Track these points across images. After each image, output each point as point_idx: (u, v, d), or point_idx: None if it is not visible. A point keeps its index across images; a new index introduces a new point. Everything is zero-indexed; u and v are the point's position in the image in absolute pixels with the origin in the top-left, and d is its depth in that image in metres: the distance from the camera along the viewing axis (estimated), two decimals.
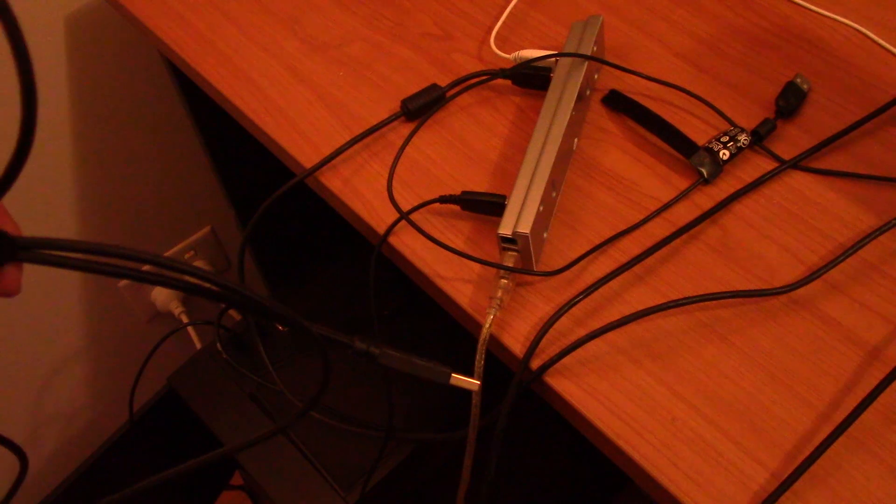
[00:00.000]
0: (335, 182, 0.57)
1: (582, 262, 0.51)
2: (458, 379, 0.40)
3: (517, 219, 0.49)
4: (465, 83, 0.61)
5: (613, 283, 0.50)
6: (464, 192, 0.54)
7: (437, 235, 0.54)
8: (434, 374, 0.39)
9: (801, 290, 0.49)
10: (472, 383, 0.39)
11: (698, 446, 0.44)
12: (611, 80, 0.62)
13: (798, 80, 0.58)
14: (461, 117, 0.60)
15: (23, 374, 1.06)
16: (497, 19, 0.66)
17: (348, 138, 0.59)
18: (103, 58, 0.92)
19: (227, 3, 0.70)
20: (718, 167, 0.55)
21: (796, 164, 0.55)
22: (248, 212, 1.06)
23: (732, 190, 0.54)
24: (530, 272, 0.50)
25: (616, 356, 0.47)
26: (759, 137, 0.56)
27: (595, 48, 0.59)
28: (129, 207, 1.07)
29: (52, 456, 1.17)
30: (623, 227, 0.53)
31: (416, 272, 0.53)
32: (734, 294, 0.49)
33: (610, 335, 0.48)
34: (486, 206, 0.53)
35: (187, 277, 0.31)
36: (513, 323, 0.49)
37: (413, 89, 0.61)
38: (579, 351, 0.47)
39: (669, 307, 0.48)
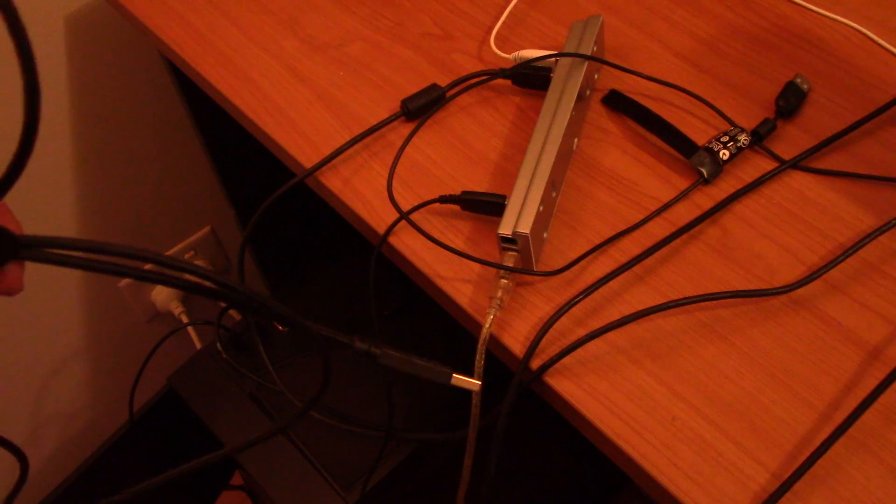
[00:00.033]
0: (335, 182, 0.57)
1: (582, 262, 0.51)
2: (459, 379, 0.40)
3: (517, 219, 0.49)
4: (465, 83, 0.61)
5: (613, 283, 0.50)
6: (464, 192, 0.54)
7: (437, 235, 0.54)
8: (435, 374, 0.39)
9: (801, 290, 0.49)
10: (473, 383, 0.39)
11: (698, 446, 0.44)
12: (611, 80, 0.62)
13: (798, 80, 0.58)
14: (461, 117, 0.60)
15: (23, 374, 1.06)
16: (497, 19, 0.66)
17: (348, 138, 0.59)
18: (103, 58, 0.92)
19: (227, 3, 0.70)
20: (718, 167, 0.55)
21: (796, 164, 0.55)
22: (248, 212, 1.05)
23: (732, 190, 0.54)
24: (530, 272, 0.50)
25: (616, 356, 0.47)
26: (759, 137, 0.56)
27: (595, 48, 0.59)
28: (129, 207, 1.07)
29: (52, 456, 1.17)
30: (623, 227, 0.53)
31: (416, 272, 0.53)
32: (734, 294, 0.49)
33: (610, 335, 0.48)
34: (486, 206, 0.53)
35: (188, 276, 0.31)
36: (513, 323, 0.49)
37: (413, 89, 0.61)
38: (579, 351, 0.47)
39: (669, 307, 0.48)
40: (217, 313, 0.89)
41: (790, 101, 0.57)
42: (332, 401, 0.84)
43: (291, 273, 1.18)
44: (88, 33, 0.89)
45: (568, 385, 0.46)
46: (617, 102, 0.59)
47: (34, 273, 0.99)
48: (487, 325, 0.48)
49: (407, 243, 0.53)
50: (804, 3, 0.65)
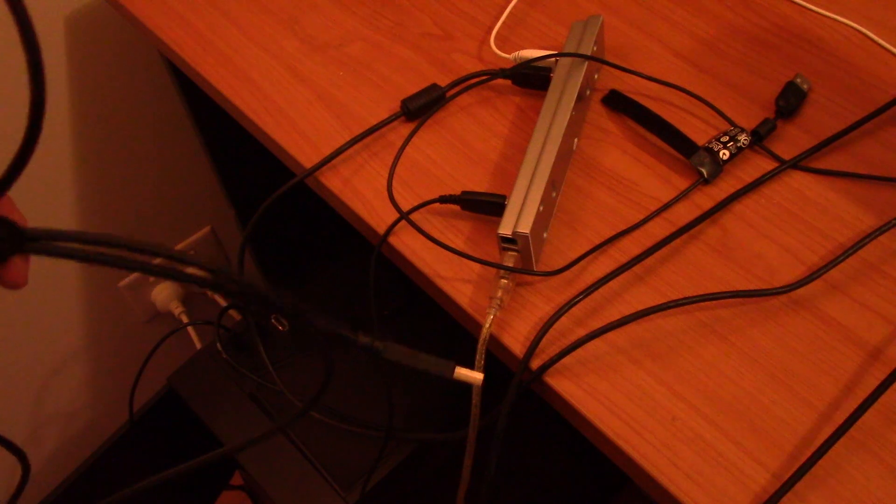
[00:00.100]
0: (335, 182, 0.57)
1: (582, 262, 0.51)
2: (462, 373, 0.39)
3: (517, 219, 0.49)
4: (465, 83, 0.61)
5: (613, 283, 0.50)
6: (464, 192, 0.54)
7: (437, 235, 0.54)
8: (438, 367, 0.39)
9: (801, 290, 0.49)
10: (476, 377, 0.39)
11: (698, 446, 0.44)
12: (611, 80, 0.62)
13: (798, 80, 0.58)
14: (461, 117, 0.60)
15: (23, 374, 1.06)
16: (497, 19, 0.66)
17: (348, 138, 0.59)
18: (103, 58, 0.92)
19: (227, 3, 0.70)
20: (718, 167, 0.55)
21: (796, 164, 0.55)
22: (248, 212, 1.05)
23: (732, 190, 0.54)
24: (530, 272, 0.50)
25: (616, 356, 0.47)
26: (759, 137, 0.56)
27: (595, 48, 0.59)
28: (128, 207, 1.07)
29: (52, 456, 1.17)
30: (623, 227, 0.53)
31: (416, 272, 0.53)
32: (734, 294, 0.48)
33: (610, 335, 0.48)
34: (486, 206, 0.53)
35: (194, 270, 0.31)
36: (513, 323, 0.49)
37: (413, 89, 0.61)
38: (579, 351, 0.47)
39: (669, 307, 0.48)
40: (217, 313, 0.89)
41: (790, 101, 0.57)
42: (332, 401, 0.84)
43: (291, 273, 1.18)
44: (88, 33, 0.89)
45: (568, 385, 0.46)
46: (617, 102, 0.59)
47: (34, 273, 0.99)
48: (487, 325, 0.48)
49: (407, 243, 0.53)
50: (804, 3, 0.65)
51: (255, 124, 0.62)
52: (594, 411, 0.45)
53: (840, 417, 0.44)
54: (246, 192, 1.03)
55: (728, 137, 0.55)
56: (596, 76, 0.61)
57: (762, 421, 0.44)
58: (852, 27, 0.63)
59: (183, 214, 1.15)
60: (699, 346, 0.47)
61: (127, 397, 1.07)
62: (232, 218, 1.07)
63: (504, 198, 0.52)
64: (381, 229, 0.54)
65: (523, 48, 0.63)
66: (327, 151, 0.58)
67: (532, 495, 1.01)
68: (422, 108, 0.60)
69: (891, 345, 0.47)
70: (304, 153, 0.59)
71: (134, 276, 1.12)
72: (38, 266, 0.98)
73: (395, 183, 0.57)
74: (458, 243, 0.53)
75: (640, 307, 0.48)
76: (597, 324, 0.48)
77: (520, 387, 0.47)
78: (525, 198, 0.50)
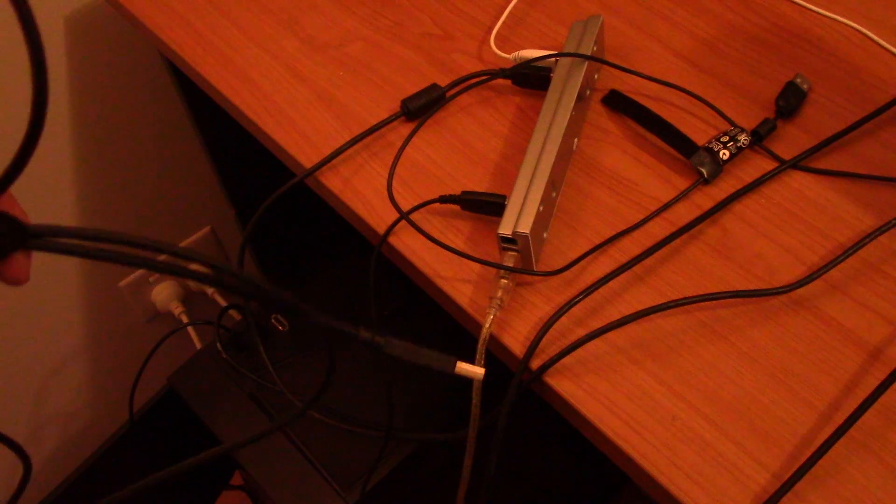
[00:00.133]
0: (335, 182, 0.57)
1: (582, 262, 0.51)
2: (463, 367, 0.39)
3: (517, 219, 0.49)
4: (465, 83, 0.61)
5: (613, 283, 0.50)
6: (464, 192, 0.54)
7: (437, 235, 0.54)
8: (439, 362, 0.39)
9: (801, 290, 0.49)
10: (477, 371, 0.39)
11: (698, 446, 0.44)
12: (611, 80, 0.62)
13: (798, 80, 0.58)
14: (461, 117, 0.60)
15: (23, 374, 1.06)
16: (497, 19, 0.66)
17: (348, 138, 0.59)
18: (103, 58, 0.92)
19: (227, 3, 0.70)
20: (718, 167, 0.55)
21: (796, 164, 0.55)
22: (248, 212, 1.06)
23: (732, 190, 0.54)
24: (530, 272, 0.50)
25: (616, 356, 0.47)
26: (759, 137, 0.56)
27: (595, 48, 0.59)
28: (128, 207, 1.07)
29: (52, 456, 1.17)
30: (623, 227, 0.53)
31: (416, 272, 0.53)
32: (734, 294, 0.48)
33: (610, 335, 0.48)
34: (486, 206, 0.53)
35: (195, 266, 0.31)
36: (513, 323, 0.49)
37: (413, 89, 0.61)
38: (579, 351, 0.47)
39: (669, 307, 0.48)
40: (217, 313, 0.89)
41: (790, 101, 0.57)
42: (332, 401, 0.84)
43: (291, 273, 1.18)
44: (88, 33, 0.89)
45: (568, 385, 0.46)
46: (617, 102, 0.59)
47: (34, 273, 0.99)
48: (487, 325, 0.48)
49: (407, 243, 0.53)
50: (804, 3, 0.65)
51: (255, 124, 0.62)
52: (594, 411, 0.45)
53: (840, 417, 0.44)
54: (246, 192, 1.03)
55: (728, 137, 0.55)
56: (596, 76, 0.61)
57: (762, 421, 0.44)
58: (852, 27, 0.63)
59: (183, 214, 1.15)
60: (699, 346, 0.47)
61: (127, 397, 1.07)
62: (232, 218, 1.07)
63: (504, 198, 0.52)
64: (381, 229, 0.54)
65: (523, 48, 0.63)
66: (327, 151, 0.58)
67: (532, 495, 1.01)
68: (422, 108, 0.60)
69: (891, 345, 0.47)
70: (304, 153, 0.59)
71: (134, 275, 1.12)
72: (39, 266, 0.98)
73: (395, 183, 0.57)
74: (458, 243, 0.53)
75: (640, 307, 0.48)
76: (597, 324, 0.48)
77: (520, 387, 0.47)
78: (525, 198, 0.50)
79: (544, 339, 0.48)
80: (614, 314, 0.49)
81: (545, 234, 0.53)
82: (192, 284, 1.20)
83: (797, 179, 0.55)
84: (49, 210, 0.97)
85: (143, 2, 0.70)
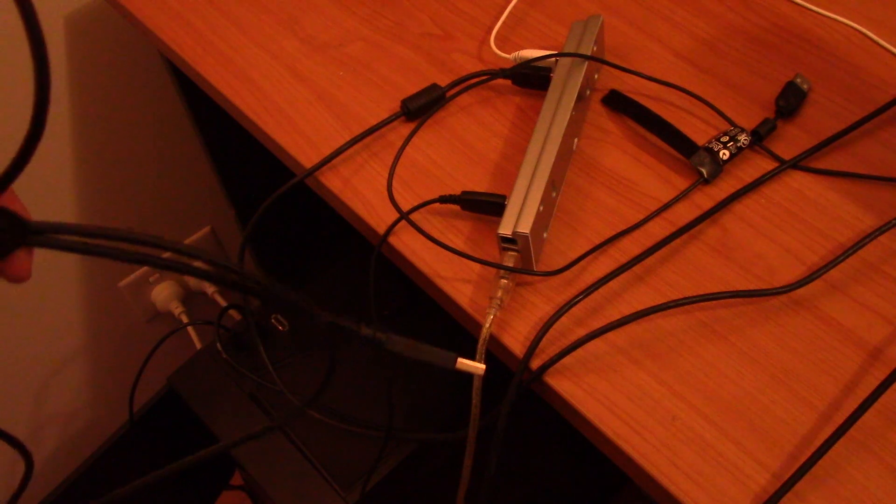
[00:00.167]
0: (335, 182, 0.57)
1: (582, 262, 0.51)
2: (464, 363, 0.39)
3: (517, 219, 0.49)
4: (465, 83, 0.61)
5: (613, 283, 0.50)
6: (464, 192, 0.54)
7: (437, 235, 0.54)
8: (440, 358, 0.39)
9: (801, 290, 0.49)
10: (478, 367, 0.39)
11: (698, 446, 0.44)
12: (611, 80, 0.62)
13: (798, 80, 0.58)
14: (461, 117, 0.60)
15: (23, 373, 1.06)
16: (497, 19, 0.66)
17: (348, 138, 0.59)
18: (103, 58, 0.92)
19: (227, 3, 0.70)
20: (718, 167, 0.55)
21: (796, 164, 0.55)
22: (248, 212, 1.05)
23: (732, 190, 0.54)
24: (530, 272, 0.50)
25: (616, 356, 0.47)
26: (759, 137, 0.56)
27: (595, 48, 0.59)
28: (128, 207, 1.07)
29: (52, 456, 1.17)
30: (623, 227, 0.53)
31: (416, 272, 0.53)
32: (734, 294, 0.48)
33: (610, 335, 0.48)
34: (486, 206, 0.53)
35: (199, 263, 0.31)
36: (513, 323, 0.49)
37: (413, 89, 0.61)
38: (579, 351, 0.47)
39: (669, 307, 0.48)
40: (217, 313, 0.89)
41: (790, 101, 0.57)
42: (332, 400, 0.84)
43: (291, 273, 1.18)
44: (88, 33, 0.89)
45: (568, 385, 0.46)
46: (617, 102, 0.59)
47: (35, 273, 0.99)
48: (487, 325, 0.48)
49: (407, 243, 0.53)
50: (804, 3, 0.65)
51: (255, 124, 0.62)
52: (594, 411, 0.45)
53: (840, 417, 0.44)
54: (246, 192, 1.03)
55: (728, 137, 0.55)
56: (596, 76, 0.61)
57: (762, 421, 0.44)
58: (852, 27, 0.63)
59: (183, 214, 1.15)
60: (699, 346, 0.47)
61: (127, 397, 1.07)
62: (232, 218, 1.07)
63: (504, 198, 0.52)
64: (381, 229, 0.54)
65: (523, 48, 0.63)
66: (327, 151, 0.58)
67: (532, 495, 1.01)
68: (422, 108, 0.60)
69: (891, 345, 0.47)
70: (304, 153, 0.59)
71: (134, 275, 1.12)
72: (39, 265, 0.98)
73: (395, 183, 0.57)
74: (458, 243, 0.53)
75: (640, 307, 0.48)
76: (597, 324, 0.48)
77: (520, 387, 0.47)
78: (525, 198, 0.50)
79: (544, 339, 0.48)
80: (614, 314, 0.49)
81: (545, 234, 0.53)
82: (192, 284, 1.20)
83: (797, 179, 0.55)
84: (49, 210, 0.97)
85: (143, 1, 0.70)
